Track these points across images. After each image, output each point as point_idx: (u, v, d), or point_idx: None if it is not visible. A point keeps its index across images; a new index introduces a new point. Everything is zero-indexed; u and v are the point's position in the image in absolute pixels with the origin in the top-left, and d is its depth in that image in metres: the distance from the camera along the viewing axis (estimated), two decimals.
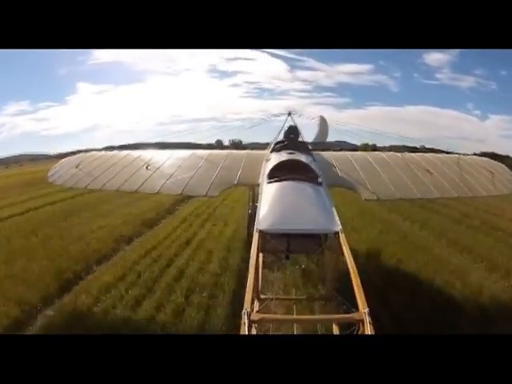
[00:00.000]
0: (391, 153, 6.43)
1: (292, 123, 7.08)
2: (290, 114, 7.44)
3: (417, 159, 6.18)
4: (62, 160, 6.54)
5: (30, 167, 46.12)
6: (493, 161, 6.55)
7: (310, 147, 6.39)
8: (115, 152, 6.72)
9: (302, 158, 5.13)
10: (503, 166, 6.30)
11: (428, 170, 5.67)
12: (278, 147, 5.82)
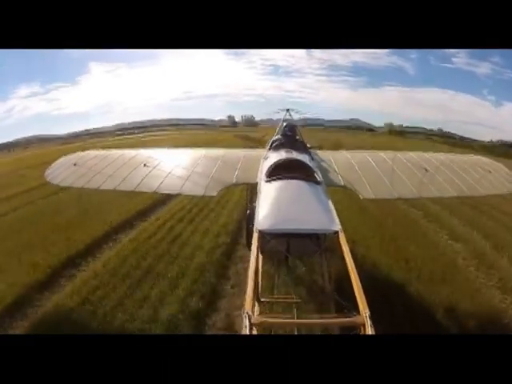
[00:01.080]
0: (390, 151, 6.45)
1: (290, 120, 7.07)
2: (287, 110, 7.43)
3: (415, 158, 6.19)
4: (60, 159, 6.49)
5: (34, 151, 44.27)
6: (491, 160, 6.58)
7: (309, 145, 6.38)
8: (113, 151, 6.69)
9: (300, 156, 5.11)
10: (501, 165, 6.33)
11: (426, 169, 5.69)
12: (276, 145, 5.81)
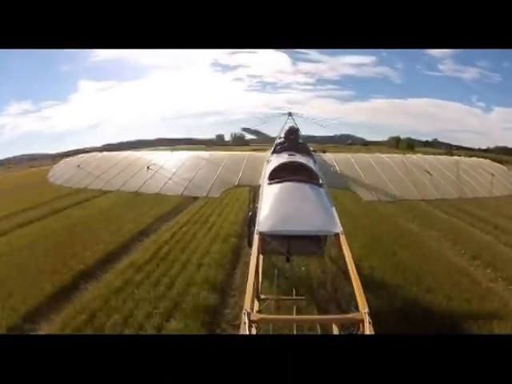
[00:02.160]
0: (392, 154, 6.45)
1: (292, 124, 7.10)
2: (290, 114, 7.46)
3: (417, 160, 6.20)
4: (63, 160, 6.55)
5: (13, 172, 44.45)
6: (493, 162, 6.57)
7: (312, 148, 6.39)
8: (117, 152, 6.75)
9: (303, 159, 5.12)
10: (503, 167, 6.31)
11: (428, 172, 5.68)
12: (279, 148, 5.83)
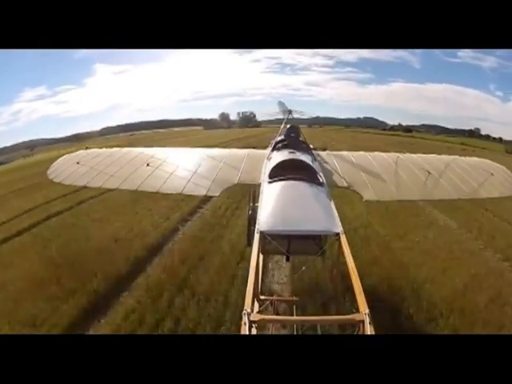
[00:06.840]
0: (392, 153, 6.42)
1: (293, 122, 7.06)
2: (290, 112, 7.41)
3: (417, 160, 6.15)
4: (63, 156, 6.46)
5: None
6: (493, 162, 6.55)
7: (312, 146, 6.37)
8: (116, 149, 6.67)
9: (303, 157, 5.12)
10: (504, 167, 6.29)
11: (429, 171, 5.66)
12: (279, 146, 5.81)
